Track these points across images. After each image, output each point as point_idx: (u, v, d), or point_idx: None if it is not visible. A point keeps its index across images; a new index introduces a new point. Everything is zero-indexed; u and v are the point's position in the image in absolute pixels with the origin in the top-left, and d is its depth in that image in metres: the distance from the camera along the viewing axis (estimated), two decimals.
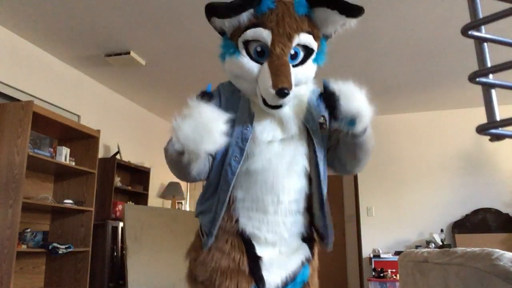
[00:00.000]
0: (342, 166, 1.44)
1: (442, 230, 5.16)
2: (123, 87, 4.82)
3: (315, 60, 1.38)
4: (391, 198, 5.53)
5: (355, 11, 1.28)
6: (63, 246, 3.42)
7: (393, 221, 5.46)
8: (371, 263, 5.14)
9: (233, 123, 1.30)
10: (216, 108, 1.20)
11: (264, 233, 1.30)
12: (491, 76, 0.46)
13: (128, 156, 4.95)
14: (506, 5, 0.46)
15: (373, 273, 4.99)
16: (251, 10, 1.28)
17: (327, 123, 1.38)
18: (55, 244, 3.37)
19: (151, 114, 5.77)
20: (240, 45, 1.30)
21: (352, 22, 1.32)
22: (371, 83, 4.66)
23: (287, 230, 1.34)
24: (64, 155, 3.59)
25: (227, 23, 1.31)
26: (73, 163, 3.70)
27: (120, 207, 4.47)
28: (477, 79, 0.45)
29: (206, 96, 1.28)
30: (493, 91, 0.46)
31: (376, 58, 4.03)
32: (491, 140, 0.47)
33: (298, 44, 1.30)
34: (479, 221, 5.11)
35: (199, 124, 1.15)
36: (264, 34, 1.26)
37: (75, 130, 3.71)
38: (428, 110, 5.62)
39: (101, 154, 4.50)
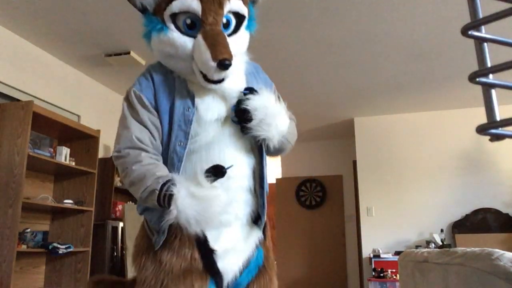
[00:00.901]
0: (268, 154, 1.37)
1: (442, 230, 5.16)
2: (123, 87, 4.82)
3: (247, 27, 1.32)
4: (391, 198, 5.53)
5: None
6: (63, 246, 3.42)
7: (393, 221, 5.46)
8: (371, 263, 5.14)
9: (172, 105, 1.22)
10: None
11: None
12: (491, 76, 0.46)
13: None
14: (506, 5, 0.46)
15: (373, 273, 5.00)
16: None
17: None
18: (55, 244, 3.37)
19: None
20: (167, 19, 1.20)
21: None
22: (372, 83, 4.67)
23: (240, 208, 1.26)
24: (64, 155, 3.59)
25: None
26: (73, 163, 3.70)
27: (120, 207, 4.47)
28: (477, 79, 0.45)
29: (220, 173, 1.16)
30: (493, 91, 0.46)
31: (376, 58, 4.03)
32: (491, 140, 0.47)
33: (229, 11, 1.23)
34: (479, 221, 5.11)
35: (205, 214, 1.09)
36: (193, 4, 1.17)
37: (75, 130, 3.71)
38: (428, 110, 5.63)
39: (101, 154, 4.50)
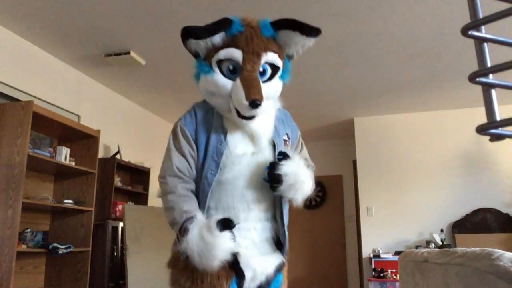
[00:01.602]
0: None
1: (442, 230, 5.16)
2: (123, 87, 4.82)
3: (281, 77, 1.52)
4: (391, 198, 5.53)
5: (313, 32, 1.46)
6: (63, 246, 3.42)
7: (393, 221, 5.46)
8: (371, 263, 5.14)
9: (208, 138, 1.45)
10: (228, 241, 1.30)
11: (237, 238, 1.35)
12: (491, 76, 0.46)
13: (128, 156, 4.95)
14: (506, 5, 0.46)
15: (373, 273, 4.99)
16: (223, 33, 1.42)
17: (289, 142, 1.56)
18: (55, 244, 3.37)
19: (151, 114, 5.77)
20: (214, 64, 1.44)
21: (311, 42, 1.49)
22: (372, 83, 4.67)
23: (257, 235, 1.44)
24: (64, 155, 3.59)
25: (202, 44, 1.44)
26: (73, 163, 3.70)
27: (120, 207, 4.47)
28: (477, 79, 0.45)
29: (227, 226, 1.33)
30: (493, 91, 0.46)
31: (376, 58, 4.03)
32: (491, 140, 0.47)
33: (266, 62, 1.45)
34: (479, 221, 5.11)
35: (211, 255, 1.28)
36: (236, 53, 1.41)
37: (75, 130, 3.71)
38: (428, 110, 5.62)
39: (101, 154, 4.50)
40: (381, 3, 3.10)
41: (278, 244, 1.50)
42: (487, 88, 0.46)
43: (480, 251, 1.34)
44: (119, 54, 3.89)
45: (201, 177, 1.43)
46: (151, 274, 3.44)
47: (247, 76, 1.40)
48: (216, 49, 1.43)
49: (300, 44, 1.50)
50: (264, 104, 1.39)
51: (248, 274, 1.37)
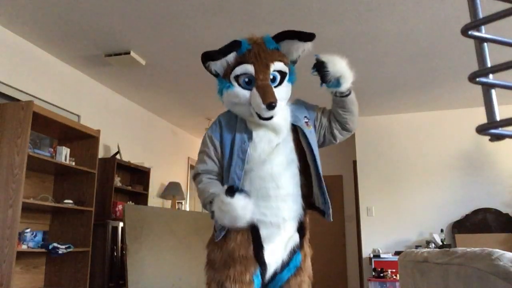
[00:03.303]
0: (343, 126, 1.85)
1: (442, 230, 5.16)
2: (123, 87, 4.82)
3: (289, 80, 1.80)
4: (391, 198, 5.53)
5: (309, 36, 1.72)
6: (63, 246, 3.42)
7: (393, 221, 5.46)
8: (371, 263, 5.14)
9: (232, 140, 1.74)
10: (244, 199, 1.59)
11: (269, 217, 1.65)
12: (491, 76, 0.46)
13: (128, 156, 4.95)
14: (506, 5, 0.46)
15: (373, 273, 4.99)
16: (235, 53, 1.73)
17: (310, 121, 1.83)
18: (55, 244, 3.37)
19: (151, 114, 5.77)
20: (232, 79, 1.72)
21: (309, 45, 1.74)
22: (372, 83, 4.67)
23: (288, 213, 1.69)
24: (64, 155, 3.59)
25: (219, 65, 1.73)
26: (73, 163, 3.69)
27: (120, 207, 4.47)
28: (477, 79, 0.45)
29: (232, 191, 1.60)
30: (493, 91, 0.46)
31: (376, 58, 4.03)
32: (491, 140, 0.47)
33: (274, 70, 1.72)
34: (479, 221, 5.11)
35: (233, 217, 1.58)
36: (249, 68, 1.70)
37: (75, 130, 3.71)
38: (428, 110, 5.63)
39: (101, 154, 4.50)
40: (381, 3, 3.10)
41: (300, 228, 1.74)
42: (487, 88, 0.46)
43: (480, 251, 1.34)
44: (119, 54, 3.89)
45: (230, 172, 1.69)
46: (151, 274, 3.44)
47: (261, 85, 1.67)
48: (232, 67, 1.72)
49: (301, 49, 1.75)
50: (278, 105, 1.65)
51: (269, 268, 1.66)
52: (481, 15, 0.47)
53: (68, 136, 3.85)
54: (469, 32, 0.46)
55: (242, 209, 1.55)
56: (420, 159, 5.54)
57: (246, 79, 1.70)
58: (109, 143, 4.76)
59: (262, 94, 1.64)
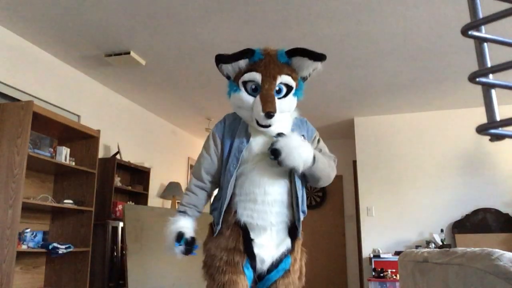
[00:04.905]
0: (315, 185, 1.93)
1: (442, 230, 5.16)
2: (123, 87, 4.82)
3: (295, 95, 1.86)
4: (391, 198, 5.53)
5: (319, 57, 1.81)
6: (63, 246, 3.42)
7: (393, 221, 5.46)
8: (371, 263, 5.14)
9: (232, 141, 1.83)
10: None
11: (256, 220, 1.74)
12: (491, 76, 0.46)
13: (128, 156, 4.95)
14: (506, 5, 0.46)
15: (373, 273, 4.99)
16: (247, 60, 1.82)
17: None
18: (55, 244, 3.37)
19: (151, 114, 5.77)
20: (241, 84, 1.82)
21: (319, 65, 1.83)
22: (372, 83, 4.67)
23: (274, 218, 1.76)
24: (64, 155, 3.59)
25: (231, 68, 1.83)
26: (73, 163, 3.69)
27: (120, 207, 4.47)
28: (477, 79, 0.45)
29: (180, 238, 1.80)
30: (493, 91, 0.46)
31: (377, 58, 4.03)
32: (491, 140, 0.47)
33: (281, 82, 1.80)
34: (479, 221, 5.11)
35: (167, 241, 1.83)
36: (256, 76, 1.79)
37: (75, 130, 3.71)
38: (428, 110, 5.62)
39: (101, 154, 4.50)
40: (381, 3, 3.10)
41: (292, 230, 1.81)
42: (487, 88, 0.46)
43: (480, 251, 1.34)
44: (119, 54, 3.89)
45: (225, 170, 1.79)
46: (151, 274, 3.44)
47: (264, 94, 1.76)
48: (242, 72, 1.82)
49: (311, 67, 1.84)
50: (277, 115, 1.74)
51: (258, 258, 1.74)
52: (481, 15, 0.47)
53: (68, 136, 3.85)
54: (469, 32, 0.46)
55: (170, 245, 1.78)
56: (420, 159, 5.54)
57: (253, 86, 1.80)
58: (109, 143, 4.76)
59: (263, 102, 1.73)
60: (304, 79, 1.91)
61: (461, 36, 0.46)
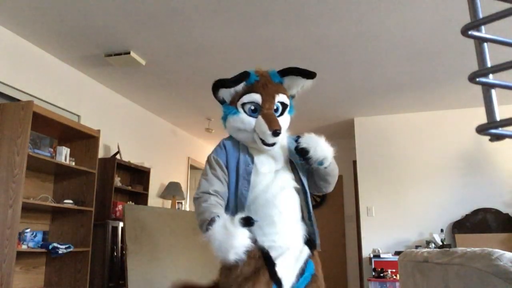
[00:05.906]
0: (318, 188, 1.98)
1: (442, 230, 5.15)
2: (123, 87, 4.82)
3: (289, 112, 1.94)
4: (391, 198, 5.53)
5: (311, 75, 1.88)
6: (63, 246, 3.42)
7: (393, 221, 5.46)
8: (371, 263, 5.14)
9: (237, 163, 1.83)
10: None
11: (278, 243, 1.74)
12: (491, 76, 0.46)
13: (128, 156, 4.95)
14: (506, 5, 0.46)
15: (373, 273, 4.99)
16: (244, 82, 1.84)
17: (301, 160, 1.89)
18: (55, 244, 3.37)
19: (151, 114, 5.77)
20: (239, 106, 1.84)
21: (309, 82, 1.91)
22: (372, 83, 4.67)
23: (294, 236, 1.79)
24: (64, 155, 3.59)
25: (228, 92, 1.85)
26: (73, 163, 3.69)
27: (120, 207, 4.47)
28: (477, 79, 0.45)
29: (248, 223, 1.63)
30: (493, 91, 0.46)
31: (376, 58, 4.03)
32: (491, 140, 0.47)
33: (278, 101, 1.87)
34: (479, 221, 5.11)
35: (229, 244, 1.56)
36: (256, 97, 1.83)
37: (75, 130, 3.71)
38: (428, 110, 5.62)
39: (101, 154, 4.50)
40: (381, 3, 3.10)
41: (309, 241, 1.86)
42: (487, 88, 0.46)
43: (480, 251, 1.34)
44: (119, 54, 3.89)
45: (237, 194, 1.78)
46: (151, 274, 3.45)
47: (266, 113, 1.81)
48: (240, 95, 1.84)
49: (301, 85, 1.92)
50: (282, 133, 1.80)
51: (285, 283, 1.69)
52: (481, 15, 0.47)
53: (68, 136, 3.85)
54: (469, 32, 0.46)
55: (242, 244, 1.55)
56: (420, 159, 5.54)
57: (252, 107, 1.83)
58: (109, 143, 4.76)
59: (268, 121, 1.77)
60: (293, 96, 1.99)
61: (461, 36, 0.46)
